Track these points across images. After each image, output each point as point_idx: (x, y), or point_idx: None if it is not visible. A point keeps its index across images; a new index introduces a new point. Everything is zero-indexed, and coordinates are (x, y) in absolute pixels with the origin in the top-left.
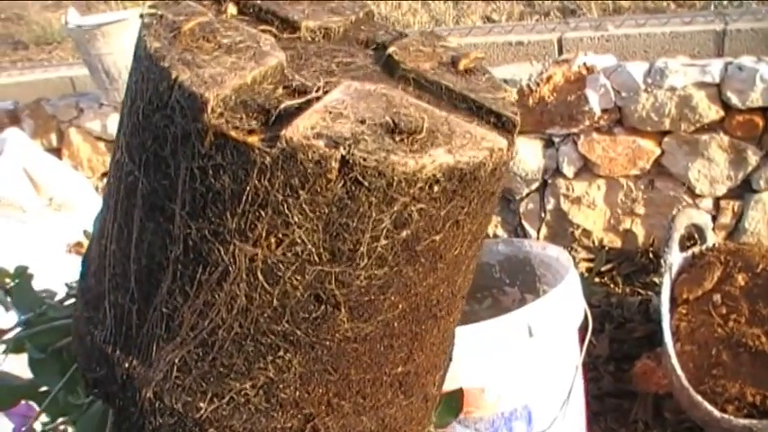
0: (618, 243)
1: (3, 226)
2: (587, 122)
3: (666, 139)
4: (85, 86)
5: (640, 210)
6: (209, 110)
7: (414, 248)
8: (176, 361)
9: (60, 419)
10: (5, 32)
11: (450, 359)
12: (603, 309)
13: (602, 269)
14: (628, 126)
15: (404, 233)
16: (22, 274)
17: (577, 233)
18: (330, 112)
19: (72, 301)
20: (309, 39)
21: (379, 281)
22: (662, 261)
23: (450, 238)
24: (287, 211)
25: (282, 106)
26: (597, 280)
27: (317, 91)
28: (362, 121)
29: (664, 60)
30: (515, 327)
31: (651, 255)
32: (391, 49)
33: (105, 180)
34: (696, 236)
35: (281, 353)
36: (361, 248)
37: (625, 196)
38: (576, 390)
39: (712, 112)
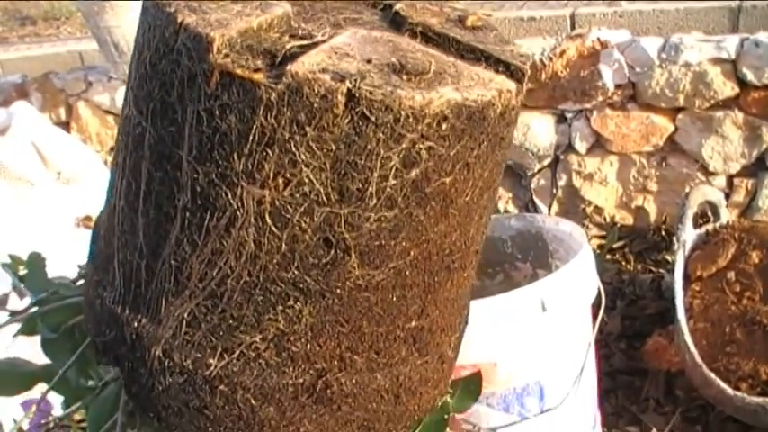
0: (630, 220)
1: (11, 200)
2: (600, 98)
3: (680, 115)
4: (94, 60)
5: (653, 187)
6: (215, 50)
7: (423, 190)
8: (185, 316)
9: (74, 407)
10: (13, 8)
11: (466, 322)
12: (615, 286)
13: (614, 246)
14: (641, 102)
15: (413, 173)
16: (35, 260)
17: (589, 210)
18: (336, 53)
19: (82, 281)
20: None
21: (389, 224)
22: (675, 238)
23: (461, 182)
24: (294, 150)
25: (288, 46)
26: (609, 257)
27: (323, 36)
28: (369, 61)
29: (678, 36)
30: (528, 301)
31: (663, 232)
32: (398, 6)
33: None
34: (710, 213)
35: (290, 302)
36: (370, 188)
37: (638, 173)
38: (588, 366)
39: (727, 89)
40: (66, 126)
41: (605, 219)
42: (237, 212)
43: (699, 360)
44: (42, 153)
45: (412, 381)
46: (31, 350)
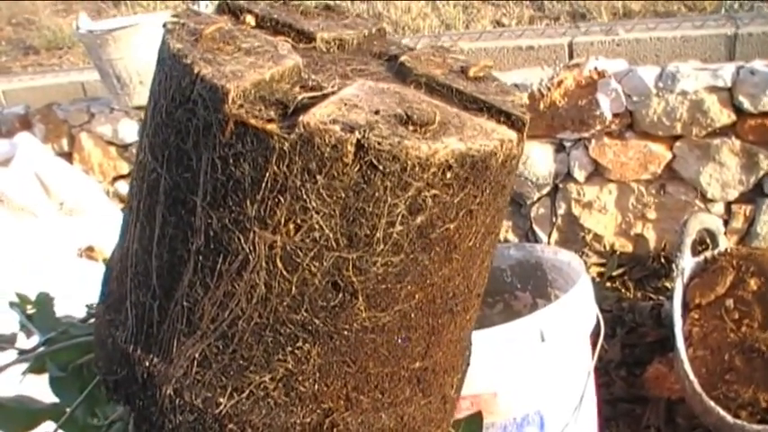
0: (629, 248)
1: (14, 230)
2: (598, 127)
3: (678, 143)
4: (96, 91)
5: (652, 214)
6: (230, 100)
7: (428, 236)
8: (196, 356)
9: None
10: (17, 37)
11: (468, 364)
12: (615, 313)
13: (614, 274)
14: (639, 130)
15: (418, 219)
16: (44, 300)
17: (588, 238)
18: (345, 104)
19: (92, 320)
20: (324, 49)
21: (396, 268)
22: (674, 265)
23: (464, 228)
24: (305, 197)
25: (299, 98)
26: (609, 284)
27: (332, 87)
28: (377, 112)
29: (675, 65)
30: (528, 332)
31: (663, 259)
32: (403, 58)
33: (116, 185)
34: (708, 240)
35: (299, 343)
36: (378, 234)
37: (636, 201)
38: (588, 395)
39: (724, 117)
40: (68, 157)
41: (605, 246)
42: (249, 256)
43: (698, 388)
44: (45, 184)
45: (416, 421)
46: (41, 387)
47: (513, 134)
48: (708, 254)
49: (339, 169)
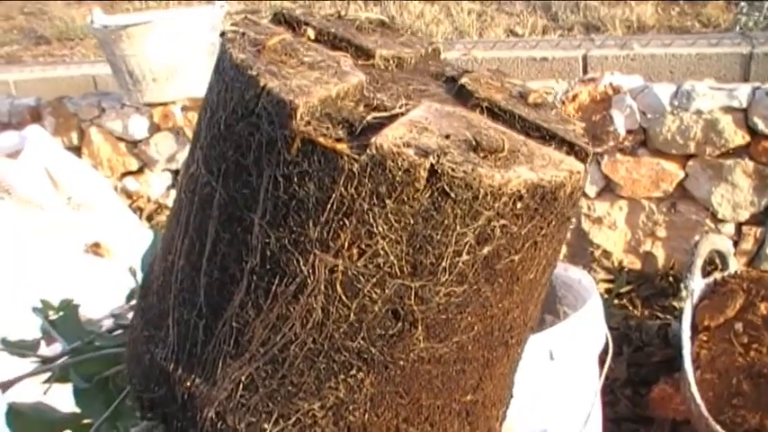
0: (638, 265)
1: (22, 224)
2: (611, 143)
3: (691, 162)
4: (107, 85)
5: (662, 232)
6: (298, 117)
7: (493, 267)
8: (243, 379)
9: None
10: (28, 27)
11: (512, 396)
12: (622, 331)
13: (621, 291)
14: (652, 148)
15: (485, 250)
16: (68, 307)
17: (597, 253)
18: (416, 126)
19: (120, 332)
20: (383, 67)
21: (458, 298)
22: (682, 286)
23: (528, 260)
24: (372, 221)
25: (369, 117)
26: (616, 302)
27: (400, 107)
28: (447, 136)
29: (691, 83)
30: (536, 350)
31: (671, 278)
32: (464, 80)
33: (124, 181)
34: (718, 262)
35: (353, 371)
36: (443, 263)
37: (647, 218)
38: (594, 415)
39: (738, 137)
40: (77, 151)
41: (613, 263)
42: (308, 279)
43: (705, 412)
44: (54, 177)
45: None
46: (57, 394)
47: (580, 166)
48: (718, 275)
49: (410, 194)
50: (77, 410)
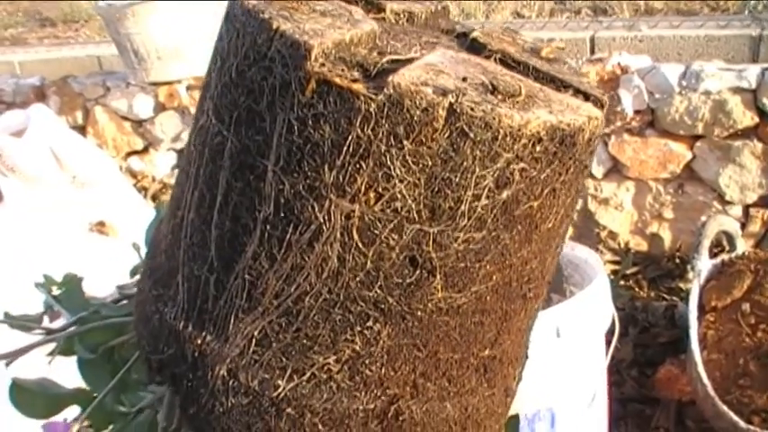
0: (644, 246)
1: (26, 201)
2: (619, 123)
3: (698, 143)
4: (112, 66)
5: (668, 214)
6: (313, 58)
7: (512, 212)
8: (255, 334)
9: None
10: (33, 8)
11: (527, 356)
12: (628, 312)
13: (628, 272)
14: (660, 128)
15: (504, 194)
16: (72, 281)
17: (603, 234)
18: (432, 69)
19: (125, 302)
20: (393, 20)
21: (477, 245)
22: (689, 267)
23: (546, 208)
24: (389, 163)
25: (386, 59)
26: (622, 283)
27: (414, 53)
28: (464, 79)
29: (699, 63)
30: (543, 327)
31: (678, 260)
32: (475, 33)
33: (129, 161)
34: (725, 243)
35: (369, 323)
36: (462, 207)
37: (654, 199)
38: (600, 394)
39: (747, 119)
40: (82, 130)
41: (619, 244)
42: (323, 226)
43: (711, 392)
44: (58, 156)
45: (479, 412)
46: (61, 371)
47: (598, 112)
48: (725, 256)
49: (428, 135)
50: (82, 386)
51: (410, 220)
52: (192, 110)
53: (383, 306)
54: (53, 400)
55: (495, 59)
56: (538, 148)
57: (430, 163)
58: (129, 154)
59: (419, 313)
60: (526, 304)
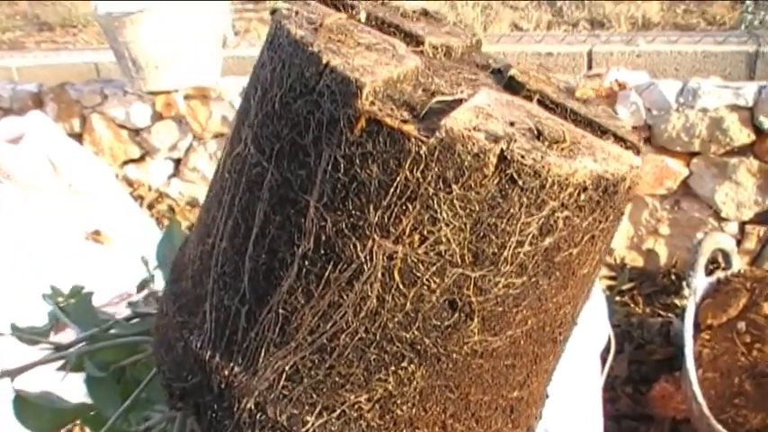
0: (640, 262)
1: (22, 208)
2: None
3: (695, 160)
4: (110, 72)
5: (664, 230)
6: (364, 96)
7: (552, 259)
8: (287, 368)
9: None
10: (32, 12)
11: (548, 395)
12: (624, 329)
13: (623, 288)
14: (657, 145)
15: (547, 241)
16: (78, 293)
17: None
18: (481, 112)
19: (137, 320)
20: (431, 54)
21: (516, 290)
22: (685, 284)
23: (585, 254)
24: (436, 207)
25: (435, 100)
26: (618, 299)
27: (461, 93)
28: (511, 124)
29: (697, 81)
30: None
31: (673, 276)
32: (513, 71)
33: (125, 169)
34: (721, 260)
35: (404, 363)
36: (505, 253)
37: (650, 215)
38: (594, 414)
39: (743, 136)
40: (79, 138)
41: (615, 259)
42: (364, 266)
43: (707, 411)
44: (55, 164)
45: None
46: (62, 382)
47: (638, 160)
48: (721, 274)
49: (478, 180)
50: (86, 401)
51: (453, 264)
52: (190, 119)
53: (419, 347)
54: (57, 414)
55: (532, 100)
56: (582, 197)
57: (477, 208)
58: (126, 162)
59: (454, 355)
60: (555, 347)
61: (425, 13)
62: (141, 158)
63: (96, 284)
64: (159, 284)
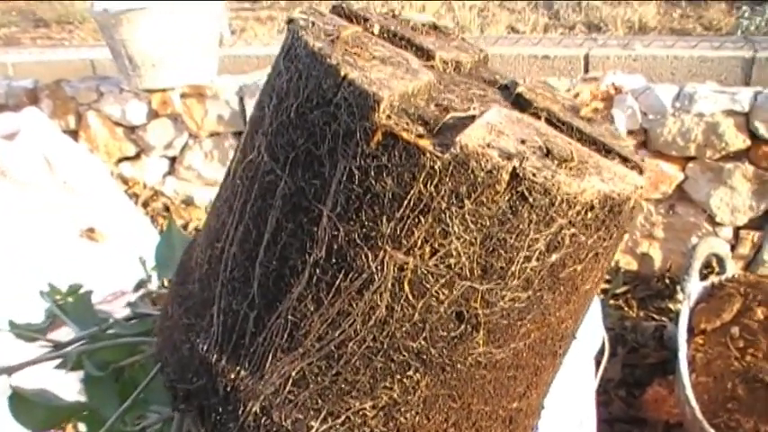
0: (634, 266)
1: (16, 204)
2: None
3: (690, 164)
4: (105, 69)
5: (659, 234)
6: (381, 110)
7: (557, 275)
8: (293, 374)
9: None
10: (27, 8)
11: (544, 407)
12: (617, 332)
13: (618, 291)
14: (652, 149)
15: (553, 257)
16: (76, 292)
17: None
18: (494, 129)
19: (135, 321)
20: (442, 68)
21: (521, 304)
22: (679, 288)
23: (588, 271)
24: (448, 220)
25: (450, 116)
26: (612, 302)
27: (473, 109)
28: (522, 142)
29: (693, 85)
30: None
31: (668, 280)
32: (520, 89)
33: (120, 166)
34: (715, 265)
35: (410, 372)
36: (513, 267)
37: (645, 219)
38: (588, 418)
39: (739, 141)
40: (74, 134)
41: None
42: (375, 276)
43: (699, 415)
44: (50, 161)
45: None
46: (59, 380)
47: (642, 181)
48: (715, 279)
49: (490, 196)
50: (80, 399)
51: (462, 277)
52: (186, 118)
53: (425, 357)
54: (53, 411)
55: (539, 118)
56: (589, 215)
57: (488, 223)
58: (121, 160)
59: (459, 366)
60: (554, 360)
61: (435, 26)
62: (136, 156)
63: (90, 282)
64: (155, 284)
